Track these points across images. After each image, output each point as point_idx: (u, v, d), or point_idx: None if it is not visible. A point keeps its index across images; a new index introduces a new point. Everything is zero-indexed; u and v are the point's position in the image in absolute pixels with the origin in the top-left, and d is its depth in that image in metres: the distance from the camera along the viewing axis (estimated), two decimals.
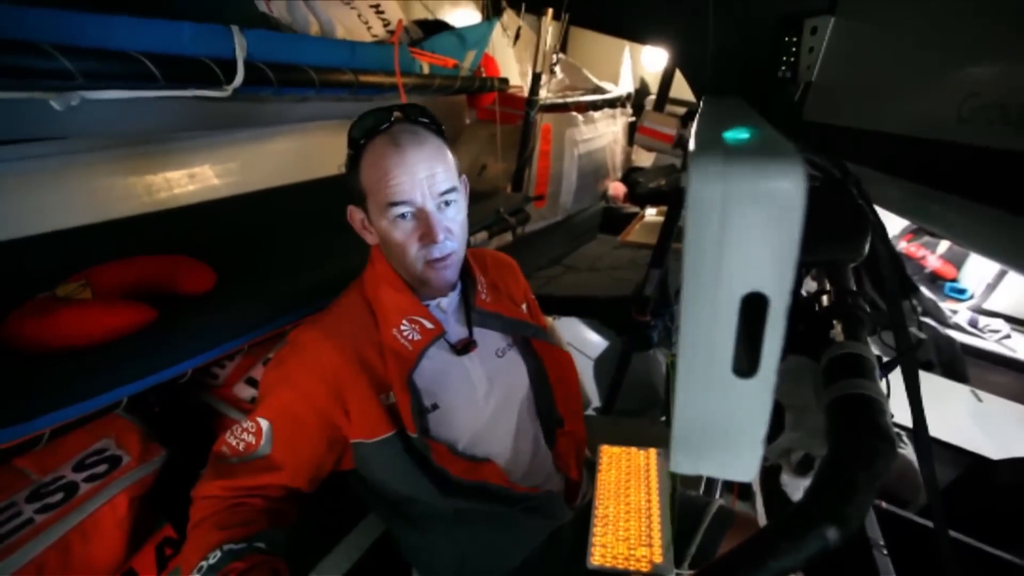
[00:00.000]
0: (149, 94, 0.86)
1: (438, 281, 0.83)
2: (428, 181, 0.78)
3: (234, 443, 0.80)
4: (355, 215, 0.85)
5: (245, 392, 1.10)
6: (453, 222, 0.82)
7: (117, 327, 0.87)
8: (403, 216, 0.79)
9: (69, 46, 0.71)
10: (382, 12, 1.48)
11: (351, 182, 0.83)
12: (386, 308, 0.84)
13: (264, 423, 0.79)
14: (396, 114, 0.81)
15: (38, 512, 0.82)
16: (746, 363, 0.32)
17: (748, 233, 0.28)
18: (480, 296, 0.91)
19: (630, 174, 3.14)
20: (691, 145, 0.33)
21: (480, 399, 0.89)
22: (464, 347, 0.88)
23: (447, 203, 0.81)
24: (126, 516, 0.88)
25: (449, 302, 0.90)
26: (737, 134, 0.32)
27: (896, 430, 0.47)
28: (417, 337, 0.83)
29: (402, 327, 0.83)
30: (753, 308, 0.30)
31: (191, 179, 1.36)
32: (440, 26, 1.69)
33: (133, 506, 0.90)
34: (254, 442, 0.79)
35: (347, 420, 0.80)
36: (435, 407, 0.85)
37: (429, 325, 0.84)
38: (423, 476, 0.81)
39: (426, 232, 0.79)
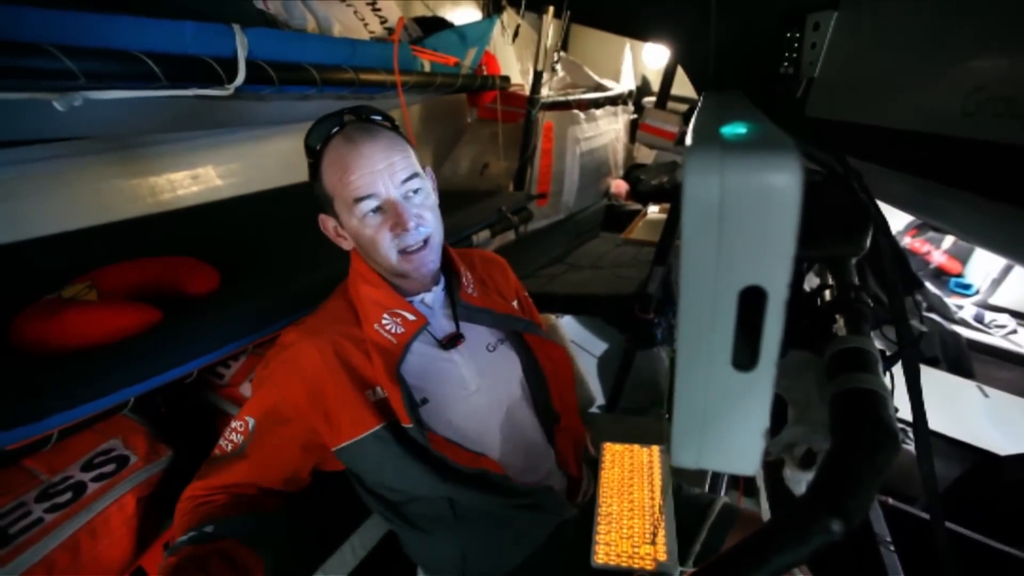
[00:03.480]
0: (151, 94, 0.87)
1: (416, 270, 0.83)
2: (388, 171, 0.78)
3: (224, 444, 0.82)
4: (327, 224, 0.85)
5: (250, 392, 1.11)
6: (423, 208, 0.82)
7: (122, 328, 0.87)
8: (372, 211, 0.79)
9: (71, 46, 0.72)
10: (379, 10, 1.48)
11: (316, 191, 0.83)
12: (366, 304, 0.85)
13: (251, 421, 0.81)
14: (348, 116, 0.81)
15: (47, 512, 0.82)
16: (746, 356, 0.32)
17: (745, 227, 0.28)
18: (465, 290, 0.91)
19: (632, 171, 3.14)
20: (688, 139, 0.33)
21: (471, 394, 0.89)
22: (451, 341, 0.88)
23: (413, 191, 0.81)
24: (134, 515, 0.89)
25: (434, 297, 0.90)
26: (734, 128, 0.32)
27: (900, 425, 0.46)
28: (400, 330, 0.83)
29: (384, 321, 0.83)
30: (752, 302, 0.30)
31: (194, 180, 1.36)
32: (440, 23, 1.69)
33: (141, 505, 0.90)
34: (239, 441, 0.81)
35: (327, 425, 0.80)
36: (425, 401, 0.85)
37: (411, 317, 0.84)
38: (420, 465, 0.81)
39: (396, 221, 0.79)
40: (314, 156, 0.81)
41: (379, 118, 0.83)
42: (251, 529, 0.76)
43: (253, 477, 0.80)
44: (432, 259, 0.84)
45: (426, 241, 0.82)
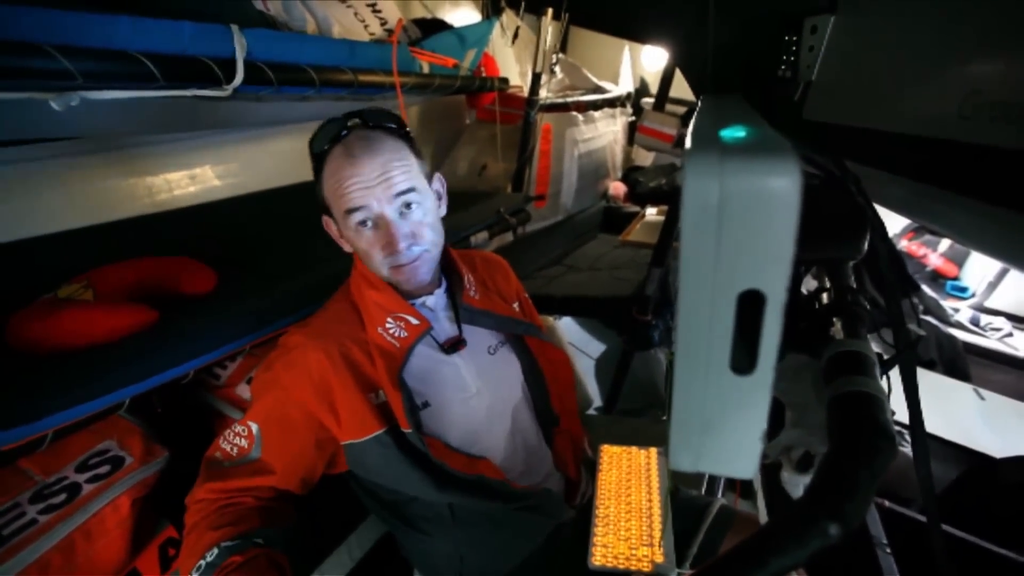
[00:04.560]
0: (149, 94, 0.86)
1: (407, 281, 0.83)
2: (383, 185, 0.76)
3: (227, 448, 0.81)
4: (330, 225, 0.85)
5: (247, 392, 1.10)
6: (419, 225, 0.80)
7: (119, 328, 0.87)
8: (364, 224, 0.78)
9: (69, 46, 0.71)
10: (379, 11, 1.48)
11: (318, 194, 0.82)
12: (370, 307, 0.84)
13: (255, 426, 0.80)
14: (353, 121, 0.79)
15: (41, 513, 0.82)
16: (744, 360, 0.32)
17: (744, 230, 0.28)
18: (467, 293, 0.91)
19: (630, 173, 3.14)
20: (687, 142, 0.33)
21: (472, 397, 0.89)
22: (453, 345, 0.88)
23: (408, 205, 0.79)
24: (129, 516, 0.89)
25: (436, 300, 0.90)
26: (733, 132, 0.32)
27: (897, 428, 0.47)
28: (404, 334, 0.83)
29: (387, 325, 0.83)
30: (750, 305, 0.30)
31: (192, 180, 1.36)
32: (439, 25, 1.69)
33: (136, 507, 0.90)
34: (246, 446, 0.80)
35: (336, 422, 0.80)
36: (426, 405, 0.85)
37: (415, 321, 0.84)
38: (419, 472, 0.81)
39: (388, 242, 0.78)
40: (317, 160, 0.80)
41: (389, 123, 0.81)
42: (286, 541, 0.77)
43: (272, 481, 0.80)
44: (424, 270, 0.84)
45: (417, 259, 0.82)
